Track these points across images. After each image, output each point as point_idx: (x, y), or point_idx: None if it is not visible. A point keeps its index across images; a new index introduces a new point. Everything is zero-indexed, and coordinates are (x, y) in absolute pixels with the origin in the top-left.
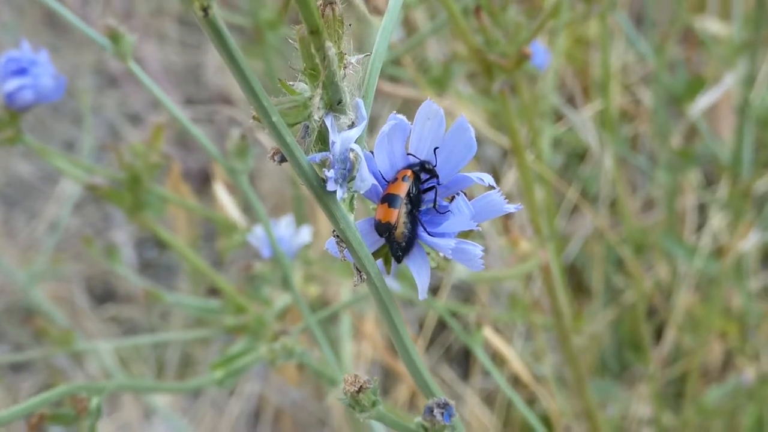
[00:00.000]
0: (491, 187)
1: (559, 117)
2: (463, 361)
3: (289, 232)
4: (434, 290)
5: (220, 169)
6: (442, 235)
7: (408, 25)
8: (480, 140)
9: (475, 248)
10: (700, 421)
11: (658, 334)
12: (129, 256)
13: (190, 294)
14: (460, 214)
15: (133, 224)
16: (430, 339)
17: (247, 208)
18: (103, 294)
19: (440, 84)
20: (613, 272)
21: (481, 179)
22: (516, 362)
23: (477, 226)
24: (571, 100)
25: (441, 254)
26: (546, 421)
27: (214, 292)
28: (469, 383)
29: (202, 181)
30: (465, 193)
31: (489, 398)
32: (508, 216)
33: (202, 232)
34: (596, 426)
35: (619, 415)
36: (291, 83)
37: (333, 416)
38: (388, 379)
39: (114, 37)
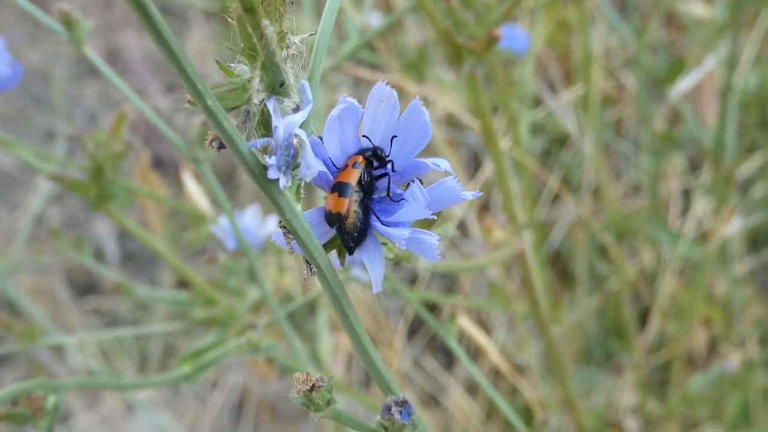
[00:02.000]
0: (448, 173)
1: (538, 102)
2: (446, 350)
3: (255, 223)
4: (413, 280)
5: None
6: (396, 224)
7: (388, 10)
8: (461, 127)
9: (431, 238)
10: (685, 409)
11: (643, 321)
12: (111, 248)
13: (173, 286)
14: (415, 201)
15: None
16: (412, 329)
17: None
18: (85, 286)
19: (416, 69)
20: (597, 259)
21: (438, 165)
22: (495, 355)
23: (432, 214)
24: (552, 86)
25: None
26: (529, 411)
27: (185, 284)
28: (453, 373)
29: (177, 171)
30: (421, 181)
31: (472, 388)
32: (484, 205)
33: (180, 222)
34: (578, 415)
35: (604, 404)
36: (231, 65)
37: None
38: (368, 373)
39: (68, 22)
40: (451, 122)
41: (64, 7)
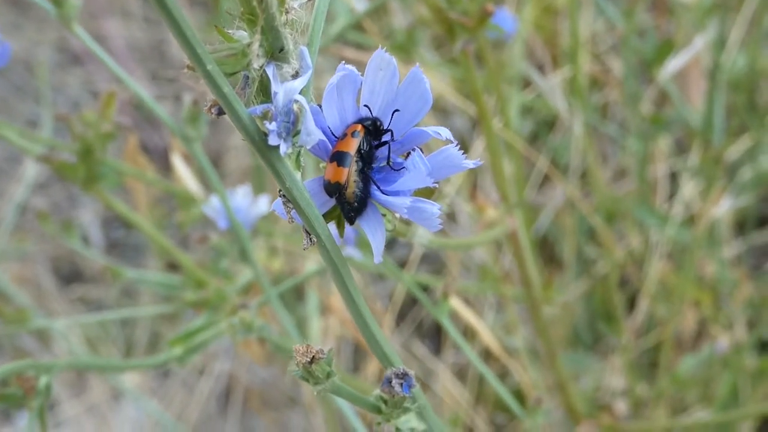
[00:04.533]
0: (449, 141)
1: (527, 84)
2: (435, 336)
3: (246, 202)
4: (403, 263)
5: (178, 142)
6: (396, 193)
7: None
8: (448, 110)
9: (432, 206)
10: (674, 391)
11: (631, 304)
12: (95, 236)
13: (160, 272)
14: (416, 170)
15: (99, 204)
16: (400, 314)
17: (208, 181)
18: (70, 274)
19: (405, 50)
20: (585, 243)
21: (438, 133)
22: (487, 335)
23: (434, 182)
24: (540, 69)
25: (398, 215)
26: (518, 394)
27: (175, 267)
28: (441, 358)
29: (167, 158)
30: (421, 149)
31: (461, 373)
32: (475, 184)
33: (167, 207)
34: (569, 398)
35: (593, 387)
36: (230, 31)
37: (303, 394)
38: (357, 355)
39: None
40: (437, 107)
41: None
